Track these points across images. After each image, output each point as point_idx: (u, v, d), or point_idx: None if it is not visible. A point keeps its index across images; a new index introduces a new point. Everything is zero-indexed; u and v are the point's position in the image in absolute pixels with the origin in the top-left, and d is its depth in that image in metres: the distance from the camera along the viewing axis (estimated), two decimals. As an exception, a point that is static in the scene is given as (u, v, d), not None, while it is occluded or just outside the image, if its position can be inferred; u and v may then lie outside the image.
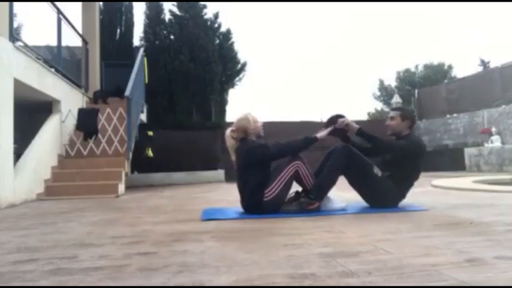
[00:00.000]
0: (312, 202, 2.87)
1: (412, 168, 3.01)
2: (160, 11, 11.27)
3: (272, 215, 2.78)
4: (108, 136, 6.37)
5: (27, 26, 6.58)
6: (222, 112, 11.55)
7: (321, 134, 2.99)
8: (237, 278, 1.31)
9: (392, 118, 3.13)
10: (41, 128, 5.63)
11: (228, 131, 3.01)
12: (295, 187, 2.99)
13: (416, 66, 23.06)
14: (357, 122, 3.16)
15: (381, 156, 3.19)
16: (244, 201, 2.93)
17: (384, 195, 2.98)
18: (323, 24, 56.79)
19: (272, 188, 2.81)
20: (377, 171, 2.98)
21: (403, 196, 3.04)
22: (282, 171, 2.85)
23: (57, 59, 6.33)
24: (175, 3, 11.24)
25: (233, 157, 3.02)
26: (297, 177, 2.90)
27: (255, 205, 2.83)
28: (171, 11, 11.24)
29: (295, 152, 2.93)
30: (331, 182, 2.95)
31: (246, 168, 2.90)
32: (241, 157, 2.92)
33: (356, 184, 3.10)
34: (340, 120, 3.03)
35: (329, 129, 3.03)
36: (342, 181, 3.02)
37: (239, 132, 2.97)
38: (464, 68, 45.12)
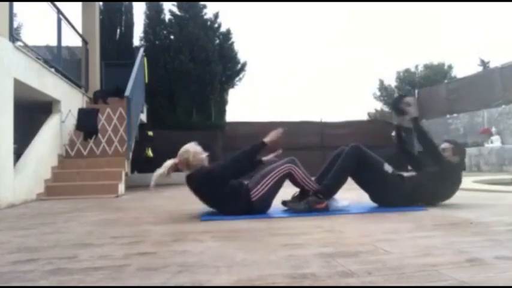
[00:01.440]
0: (320, 201, 2.88)
1: (437, 187, 3.01)
2: (160, 11, 11.27)
3: (272, 215, 2.79)
4: (108, 136, 6.37)
5: (27, 26, 6.60)
6: (222, 112, 11.55)
7: (268, 139, 2.91)
8: (237, 278, 1.31)
9: (443, 150, 3.12)
10: (41, 128, 5.63)
11: (169, 163, 2.87)
12: (289, 187, 2.99)
13: (416, 66, 23.06)
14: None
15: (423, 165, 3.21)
16: (234, 210, 2.82)
17: (393, 192, 2.98)
18: (323, 24, 56.79)
19: (258, 188, 2.80)
20: (387, 167, 2.98)
21: (410, 198, 3.03)
22: (271, 173, 2.84)
23: (57, 59, 6.33)
24: (175, 3, 11.24)
25: (192, 192, 2.91)
26: (292, 179, 2.90)
27: (246, 206, 2.80)
28: (171, 11, 11.24)
29: (245, 160, 2.87)
30: (341, 182, 2.95)
31: (212, 194, 2.83)
32: (201, 188, 2.84)
33: (366, 182, 3.09)
34: (407, 98, 3.05)
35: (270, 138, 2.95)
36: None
37: (182, 165, 2.87)
38: (464, 68, 45.12)
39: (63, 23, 6.51)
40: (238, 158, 2.88)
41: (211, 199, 2.89)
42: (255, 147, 2.88)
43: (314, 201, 2.87)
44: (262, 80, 48.44)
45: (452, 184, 3.07)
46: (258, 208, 2.82)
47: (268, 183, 2.82)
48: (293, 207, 2.91)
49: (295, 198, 2.99)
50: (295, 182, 2.93)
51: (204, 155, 2.91)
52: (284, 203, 3.03)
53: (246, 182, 2.92)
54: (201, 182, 2.82)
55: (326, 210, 2.90)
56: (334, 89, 49.46)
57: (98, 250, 1.82)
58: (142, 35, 11.24)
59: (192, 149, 2.88)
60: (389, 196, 3.01)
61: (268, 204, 2.88)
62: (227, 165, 2.85)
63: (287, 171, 2.86)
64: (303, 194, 2.99)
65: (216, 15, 11.65)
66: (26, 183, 4.77)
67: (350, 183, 3.08)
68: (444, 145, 3.17)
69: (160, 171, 2.82)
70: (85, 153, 6.16)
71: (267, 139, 2.91)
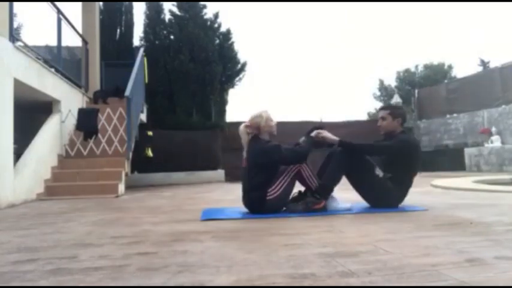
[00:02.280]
0: (318, 202, 2.88)
1: (405, 167, 2.99)
2: (160, 11, 11.26)
3: (272, 215, 2.79)
4: (108, 136, 6.37)
5: (27, 26, 6.60)
6: (222, 112, 11.54)
7: (314, 134, 3.01)
8: (237, 278, 1.31)
9: (383, 118, 3.12)
10: (41, 128, 5.63)
11: (242, 126, 3.02)
12: (298, 187, 2.99)
13: (416, 66, 23.09)
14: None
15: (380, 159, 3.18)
16: (246, 198, 2.94)
17: (385, 195, 2.98)
18: (323, 24, 56.79)
19: (275, 187, 2.84)
20: (379, 172, 2.98)
21: (403, 196, 3.04)
22: (285, 172, 2.88)
23: (57, 59, 6.33)
24: (175, 3, 11.23)
25: (245, 153, 3.01)
26: (300, 178, 2.92)
27: (257, 202, 2.84)
28: (171, 11, 11.23)
29: (303, 160, 2.93)
30: (336, 181, 2.96)
31: (255, 167, 2.90)
32: (253, 155, 2.92)
33: (358, 185, 3.10)
34: (315, 132, 3.02)
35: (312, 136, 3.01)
36: (343, 181, 3.04)
37: (253, 128, 2.99)
38: (464, 68, 45.12)
39: (63, 23, 6.51)
40: (298, 157, 2.91)
41: (250, 168, 2.91)
42: (310, 150, 2.95)
43: (312, 201, 2.88)
44: (262, 80, 48.48)
45: (405, 154, 2.97)
46: (271, 207, 2.83)
47: (283, 183, 2.86)
48: (291, 208, 2.91)
49: (294, 199, 2.99)
50: (301, 180, 2.95)
51: (274, 122, 3.04)
52: None
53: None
54: (260, 153, 2.88)
55: (324, 211, 2.90)
56: (334, 89, 49.47)
57: (98, 250, 1.82)
58: (142, 35, 11.23)
59: (265, 114, 3.01)
60: (381, 199, 3.01)
61: (282, 204, 2.91)
62: (288, 157, 2.89)
63: (297, 170, 2.89)
64: (301, 195, 2.99)
65: (216, 15, 11.64)
66: (26, 183, 4.77)
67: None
68: (381, 113, 3.15)
69: (241, 129, 3.00)
70: (85, 153, 6.16)
71: (313, 135, 3.01)
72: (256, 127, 2.98)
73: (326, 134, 3.02)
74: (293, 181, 2.92)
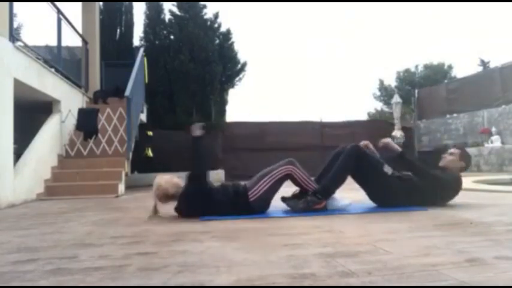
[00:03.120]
0: (319, 201, 2.88)
1: (438, 195, 3.04)
2: (160, 11, 11.26)
3: (272, 215, 2.79)
4: (108, 136, 6.37)
5: (27, 26, 6.61)
6: (222, 112, 11.54)
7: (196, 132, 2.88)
8: (237, 278, 1.31)
9: (451, 154, 3.16)
10: (41, 128, 5.63)
11: (151, 206, 2.89)
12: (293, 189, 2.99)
13: (416, 66, 23.10)
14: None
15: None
16: (234, 209, 2.81)
17: (392, 194, 2.98)
18: (323, 24, 56.78)
19: (256, 189, 2.81)
20: (387, 169, 2.98)
21: (409, 200, 3.02)
22: (268, 174, 2.86)
23: (57, 59, 6.33)
24: (175, 3, 11.23)
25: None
26: (292, 180, 2.91)
27: (244, 206, 2.80)
28: (171, 11, 11.24)
29: (201, 158, 2.82)
30: (339, 182, 2.96)
31: (203, 206, 2.79)
32: (188, 204, 2.78)
33: (365, 183, 3.10)
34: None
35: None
36: (346, 180, 3.03)
37: (163, 200, 2.84)
38: (464, 68, 45.14)
39: (63, 23, 6.51)
40: (197, 165, 2.82)
41: (209, 207, 2.82)
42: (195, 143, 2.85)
43: (312, 201, 2.88)
44: (262, 80, 48.49)
45: (452, 190, 3.08)
46: (257, 208, 2.82)
47: (266, 184, 2.83)
48: (292, 207, 2.92)
49: (295, 197, 2.99)
50: (295, 183, 2.95)
51: (176, 178, 2.87)
52: (283, 199, 3.03)
53: (243, 183, 2.93)
54: (182, 202, 2.76)
55: (325, 210, 2.90)
56: (334, 88, 49.46)
57: (98, 250, 1.82)
58: (142, 35, 11.24)
59: (162, 180, 2.83)
60: (387, 197, 3.01)
61: (266, 204, 2.89)
62: (193, 175, 2.78)
63: (286, 173, 2.87)
64: (302, 193, 2.99)
65: (216, 15, 11.65)
66: (26, 183, 4.77)
67: (350, 183, 3.08)
68: (453, 150, 3.22)
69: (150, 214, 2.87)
70: (85, 153, 6.16)
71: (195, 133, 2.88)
72: (165, 196, 2.80)
73: (390, 142, 3.12)
74: (278, 184, 2.86)
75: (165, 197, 2.82)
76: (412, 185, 3.00)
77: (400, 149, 3.07)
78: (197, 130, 2.88)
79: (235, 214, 2.76)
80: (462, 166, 3.14)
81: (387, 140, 3.15)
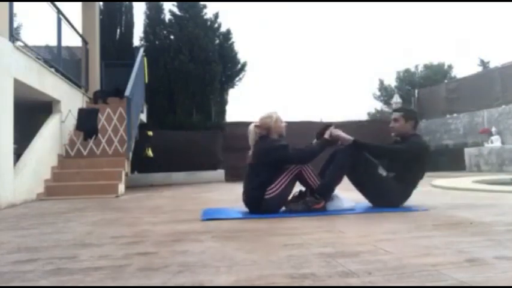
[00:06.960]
0: (317, 201, 2.88)
1: (416, 169, 3.01)
2: (160, 11, 11.26)
3: (272, 215, 2.79)
4: (108, 136, 6.37)
5: (27, 26, 6.60)
6: (222, 112, 11.55)
7: (327, 136, 3.02)
8: (237, 278, 1.31)
9: (395, 120, 3.12)
10: (41, 128, 5.63)
11: (251, 126, 3.04)
12: (298, 187, 2.99)
13: (416, 66, 23.03)
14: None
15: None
16: (246, 196, 2.95)
17: (388, 195, 2.98)
18: (323, 24, 56.76)
19: (274, 186, 2.84)
20: (382, 171, 2.98)
21: (407, 196, 3.03)
22: (285, 171, 2.88)
23: (57, 59, 6.33)
24: (175, 3, 11.24)
25: (251, 152, 3.02)
26: (301, 178, 2.92)
27: (256, 201, 2.85)
28: (171, 11, 11.24)
29: (311, 159, 2.93)
30: (337, 181, 2.96)
31: (260, 165, 2.90)
32: (259, 154, 2.92)
33: (360, 184, 3.10)
34: (327, 131, 3.02)
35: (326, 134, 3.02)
36: (346, 181, 3.03)
37: (262, 129, 3.01)
38: (464, 68, 45.07)
39: (63, 23, 6.51)
40: (306, 157, 2.93)
41: (255, 167, 2.93)
42: (323, 147, 2.96)
43: (312, 201, 2.88)
44: (262, 80, 48.38)
45: (419, 157, 2.98)
46: (269, 206, 2.83)
47: (283, 182, 2.85)
48: (292, 208, 2.91)
49: (295, 198, 3.00)
50: (304, 182, 2.95)
51: (284, 124, 3.07)
52: None
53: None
54: (266, 151, 2.90)
55: (324, 211, 2.89)
56: (334, 88, 49.42)
57: (98, 250, 1.82)
58: (142, 35, 11.24)
59: (275, 115, 3.03)
60: (384, 198, 3.00)
61: (281, 203, 2.91)
62: (295, 157, 2.91)
63: (298, 170, 2.89)
64: (301, 194, 2.99)
65: (216, 15, 11.65)
66: (26, 183, 4.77)
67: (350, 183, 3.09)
68: (395, 115, 3.14)
69: (250, 129, 3.03)
70: (85, 153, 6.16)
71: (327, 136, 3.01)
72: (266, 128, 3.00)
73: (340, 132, 3.03)
74: (293, 182, 2.92)
75: (266, 129, 2.99)
76: (404, 179, 2.97)
77: (352, 138, 2.98)
78: (344, 134, 3.00)
79: (251, 199, 2.86)
80: (413, 125, 3.09)
81: (338, 131, 3.03)
